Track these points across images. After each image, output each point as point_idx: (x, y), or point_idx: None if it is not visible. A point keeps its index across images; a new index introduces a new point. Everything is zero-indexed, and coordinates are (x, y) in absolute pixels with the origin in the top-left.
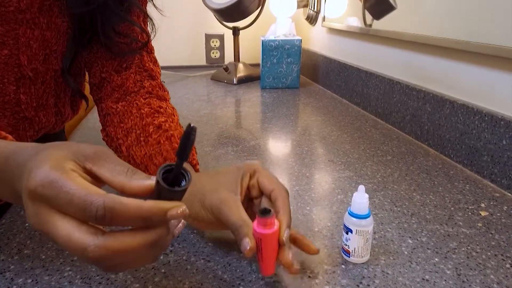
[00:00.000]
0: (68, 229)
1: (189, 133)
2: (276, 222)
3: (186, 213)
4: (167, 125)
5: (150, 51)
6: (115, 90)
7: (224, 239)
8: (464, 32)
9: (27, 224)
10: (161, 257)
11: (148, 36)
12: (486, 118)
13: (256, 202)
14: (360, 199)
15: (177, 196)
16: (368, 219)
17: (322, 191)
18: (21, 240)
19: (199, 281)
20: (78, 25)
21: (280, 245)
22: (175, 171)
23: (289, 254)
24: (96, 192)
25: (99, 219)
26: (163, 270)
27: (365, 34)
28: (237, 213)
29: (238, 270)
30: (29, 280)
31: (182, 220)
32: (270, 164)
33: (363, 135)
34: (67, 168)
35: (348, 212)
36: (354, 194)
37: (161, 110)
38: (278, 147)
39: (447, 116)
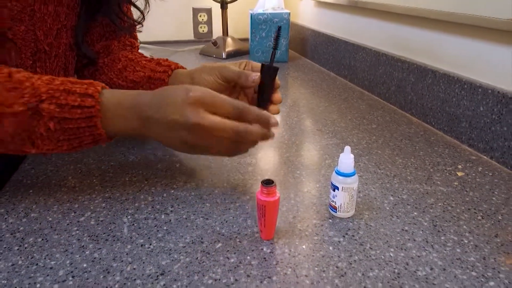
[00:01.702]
0: (221, 120)
1: (279, 30)
2: (277, 192)
3: (276, 123)
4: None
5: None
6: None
7: (220, 200)
8: (448, 3)
9: (31, 191)
10: (162, 216)
11: (143, 14)
12: (465, 86)
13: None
14: (346, 159)
15: (275, 72)
16: (353, 177)
17: (310, 156)
18: (27, 205)
19: (199, 236)
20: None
21: (276, 87)
22: (272, 57)
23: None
24: (234, 99)
25: (238, 114)
26: (165, 228)
27: (353, 7)
28: (237, 68)
29: (234, 226)
30: (39, 239)
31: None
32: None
33: (350, 106)
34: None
35: (335, 171)
36: (340, 155)
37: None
38: None
39: (430, 85)
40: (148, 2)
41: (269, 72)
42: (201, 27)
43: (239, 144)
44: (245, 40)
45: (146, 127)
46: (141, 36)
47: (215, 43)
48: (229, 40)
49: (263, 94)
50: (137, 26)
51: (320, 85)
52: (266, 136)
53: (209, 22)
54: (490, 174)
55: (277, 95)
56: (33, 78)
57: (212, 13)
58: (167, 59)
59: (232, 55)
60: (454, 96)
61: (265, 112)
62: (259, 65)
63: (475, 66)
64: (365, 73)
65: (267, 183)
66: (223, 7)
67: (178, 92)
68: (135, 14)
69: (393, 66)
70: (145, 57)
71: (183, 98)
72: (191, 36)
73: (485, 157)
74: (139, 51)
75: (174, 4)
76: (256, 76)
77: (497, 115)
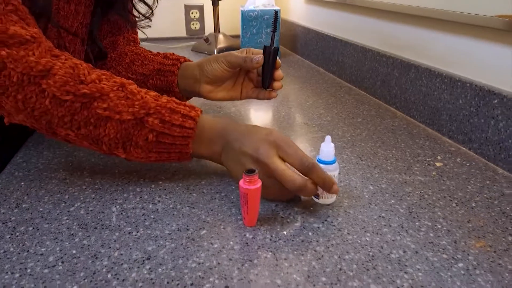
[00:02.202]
0: (285, 167)
1: (277, 14)
2: (259, 180)
3: (336, 191)
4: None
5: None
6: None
7: (207, 190)
8: (430, 0)
9: (22, 183)
10: (150, 206)
11: (151, 9)
12: (446, 80)
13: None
14: (327, 148)
15: (276, 52)
16: (334, 164)
17: None
18: (19, 197)
19: (185, 223)
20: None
21: (277, 66)
22: (272, 40)
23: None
24: (307, 155)
25: (305, 170)
26: (152, 216)
27: (342, 4)
28: (242, 53)
29: (219, 214)
30: (30, 228)
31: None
32: None
33: (337, 101)
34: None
35: (317, 159)
36: (321, 144)
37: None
38: (257, 113)
39: (413, 80)
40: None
41: (270, 53)
42: (193, 24)
43: (290, 193)
44: (237, 36)
45: (224, 152)
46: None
47: (207, 40)
48: (220, 37)
49: (267, 73)
50: (145, 22)
51: (309, 80)
52: (317, 195)
53: (201, 19)
54: (468, 164)
55: (278, 72)
56: (142, 91)
57: (204, 10)
58: (173, 53)
59: (223, 52)
60: (436, 90)
61: (330, 177)
62: (260, 50)
63: (455, 61)
64: (352, 68)
65: (249, 171)
66: (215, 4)
67: (262, 130)
68: (141, 9)
69: (379, 61)
70: (150, 51)
71: (263, 137)
72: (183, 33)
73: (464, 148)
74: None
75: (166, 1)
76: (259, 57)
77: (475, 108)
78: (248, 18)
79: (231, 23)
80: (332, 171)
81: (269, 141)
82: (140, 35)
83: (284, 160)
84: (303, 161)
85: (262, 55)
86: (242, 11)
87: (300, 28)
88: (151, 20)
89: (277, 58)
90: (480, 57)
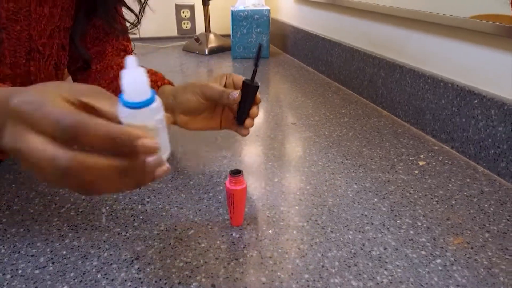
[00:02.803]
0: (41, 143)
1: (260, 48)
2: (245, 181)
3: (156, 148)
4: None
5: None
6: (95, 56)
7: (195, 190)
8: (413, 1)
9: (13, 185)
10: (139, 207)
11: (138, 18)
12: (429, 81)
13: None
14: (132, 78)
15: (256, 90)
16: (150, 107)
17: (283, 149)
18: (9, 199)
19: (173, 224)
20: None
21: (256, 102)
22: (254, 74)
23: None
24: (74, 110)
25: (70, 134)
26: (141, 217)
27: (331, 4)
28: (219, 85)
29: (207, 214)
30: (21, 230)
31: (167, 165)
32: None
33: (325, 101)
34: (51, 94)
35: (120, 100)
36: (122, 72)
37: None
38: None
39: (398, 80)
40: (143, 7)
41: (250, 90)
42: (184, 23)
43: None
44: (228, 36)
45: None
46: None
47: (197, 40)
48: (211, 36)
49: (243, 110)
50: (132, 29)
51: (298, 80)
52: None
53: (192, 19)
54: (450, 163)
55: (254, 109)
56: None
57: (195, 9)
58: (156, 72)
59: (214, 51)
60: (419, 90)
61: (123, 129)
62: (240, 78)
63: (437, 61)
64: (340, 68)
65: (235, 172)
66: (205, 3)
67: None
68: (129, 17)
69: (366, 61)
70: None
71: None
72: (174, 33)
73: (446, 147)
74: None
75: (157, 0)
76: (236, 94)
77: (456, 108)
78: (238, 18)
79: (222, 23)
80: (148, 119)
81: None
82: (129, 35)
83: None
84: (59, 124)
85: (239, 91)
86: (232, 11)
87: (290, 28)
88: (137, 28)
89: (257, 94)
90: (461, 58)
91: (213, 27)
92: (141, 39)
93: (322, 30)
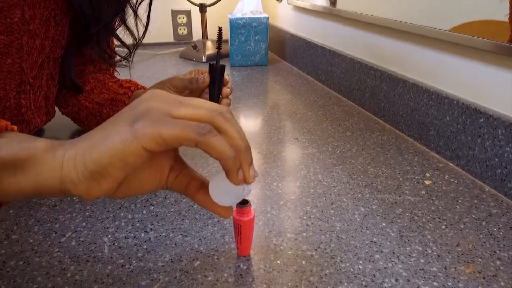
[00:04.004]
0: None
1: (220, 30)
2: (252, 211)
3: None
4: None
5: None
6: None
7: (199, 215)
8: (414, 15)
9: (11, 211)
10: (142, 235)
11: (130, 52)
12: (433, 96)
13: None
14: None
15: (222, 70)
16: None
17: (287, 167)
18: (8, 227)
19: (178, 254)
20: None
21: (225, 83)
22: (218, 56)
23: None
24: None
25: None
26: (145, 247)
27: (329, 14)
28: (190, 75)
29: (212, 243)
30: (21, 262)
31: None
32: None
33: (326, 113)
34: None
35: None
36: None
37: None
38: (247, 126)
39: (400, 94)
40: (137, 42)
41: (216, 71)
42: (180, 29)
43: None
44: (225, 42)
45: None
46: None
47: (195, 47)
48: (208, 43)
49: (213, 92)
50: (124, 62)
51: (299, 90)
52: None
53: (188, 24)
54: (456, 182)
55: (225, 90)
56: None
57: (192, 15)
58: (130, 80)
59: (212, 58)
60: (423, 105)
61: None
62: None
63: (442, 77)
64: (341, 79)
65: (242, 203)
66: (202, 10)
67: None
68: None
69: (367, 73)
70: (114, 77)
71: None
72: (170, 39)
73: (451, 164)
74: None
75: (153, 5)
76: (205, 76)
77: (461, 125)
78: (236, 26)
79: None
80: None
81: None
82: (126, 41)
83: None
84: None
85: (207, 73)
86: (230, 19)
87: (288, 35)
88: (129, 61)
89: (224, 75)
90: (468, 75)
91: (210, 34)
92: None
93: (321, 38)
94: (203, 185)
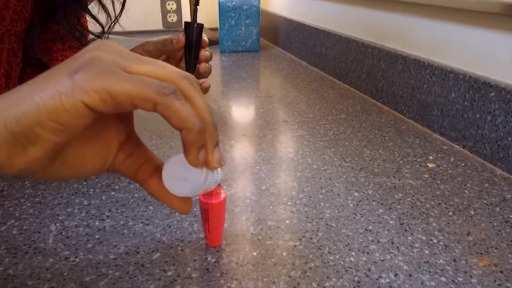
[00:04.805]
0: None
1: None
2: (223, 192)
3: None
4: None
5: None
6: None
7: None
8: None
9: None
10: (96, 223)
11: (103, 29)
12: (436, 72)
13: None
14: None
15: (200, 30)
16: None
17: (273, 150)
18: None
19: (135, 245)
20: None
21: (203, 45)
22: (194, 15)
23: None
24: None
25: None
26: (97, 236)
27: None
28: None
29: (178, 232)
30: None
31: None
32: (223, 126)
33: (319, 96)
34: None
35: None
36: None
37: None
38: (232, 109)
39: (400, 72)
40: (113, 20)
41: (193, 30)
42: (170, 16)
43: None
44: (216, 29)
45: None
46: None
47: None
48: None
49: (190, 54)
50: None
51: (291, 74)
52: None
53: (178, 11)
54: (463, 164)
55: (203, 52)
56: None
57: (181, 1)
58: None
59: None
60: (425, 82)
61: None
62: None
63: (446, 50)
64: (336, 61)
65: None
66: None
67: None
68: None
69: (364, 52)
70: None
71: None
72: (159, 26)
73: (457, 146)
74: None
75: None
76: (180, 35)
77: (469, 102)
78: (226, 9)
79: (210, 15)
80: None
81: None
82: (116, 27)
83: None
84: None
85: (182, 32)
86: (219, 2)
87: (281, 20)
88: (101, 38)
89: (203, 36)
90: (475, 45)
91: (200, 21)
92: (124, 33)
93: (316, 20)
94: (159, 170)
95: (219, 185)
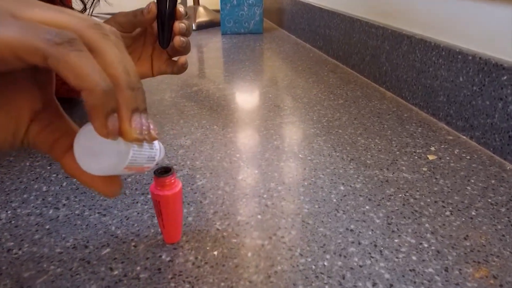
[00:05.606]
0: None
1: None
2: (178, 183)
3: None
4: None
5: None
6: None
7: (131, 191)
8: None
9: None
10: (50, 212)
11: (85, 6)
12: (443, 53)
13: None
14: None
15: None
16: None
17: (257, 137)
18: None
19: (85, 238)
20: None
21: (177, 17)
22: None
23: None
24: None
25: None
26: (47, 227)
27: None
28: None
29: (135, 225)
30: None
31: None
32: (207, 110)
33: (318, 80)
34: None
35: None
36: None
37: None
38: (220, 92)
39: (405, 53)
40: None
41: (165, 0)
42: None
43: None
44: (218, 11)
45: None
46: (104, 8)
47: (185, 14)
48: (200, 9)
49: (163, 27)
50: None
51: (292, 57)
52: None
53: None
54: (468, 157)
55: (176, 24)
56: None
57: None
58: None
59: (203, 26)
60: (431, 65)
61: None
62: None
63: (453, 29)
64: (340, 42)
65: (162, 172)
66: None
67: None
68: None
69: (368, 33)
70: None
71: None
72: None
73: (464, 137)
74: None
75: None
76: (150, 5)
77: (478, 87)
78: None
79: None
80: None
81: None
82: (111, 9)
83: None
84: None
85: (154, 2)
86: None
87: (286, 0)
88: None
89: (177, 7)
90: (487, 22)
91: (202, 1)
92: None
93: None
94: None
95: (172, 174)
